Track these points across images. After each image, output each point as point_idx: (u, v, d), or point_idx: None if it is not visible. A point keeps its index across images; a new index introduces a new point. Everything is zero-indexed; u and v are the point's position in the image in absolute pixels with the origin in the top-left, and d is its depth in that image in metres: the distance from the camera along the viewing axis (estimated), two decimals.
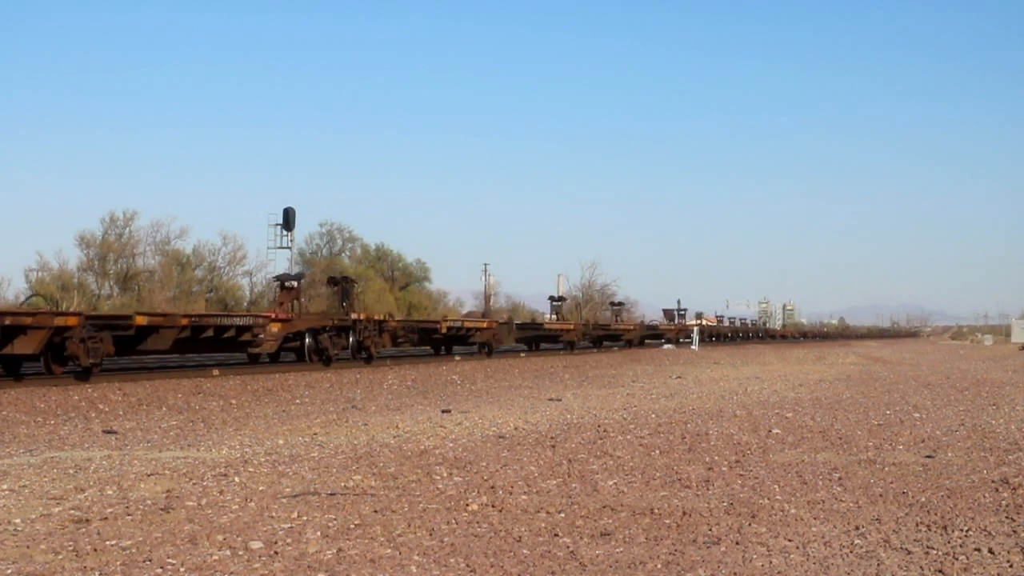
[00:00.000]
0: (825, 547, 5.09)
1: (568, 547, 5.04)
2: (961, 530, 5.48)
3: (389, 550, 4.93)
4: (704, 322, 71.82)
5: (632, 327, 44.62)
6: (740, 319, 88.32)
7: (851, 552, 5.00)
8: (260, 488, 6.55)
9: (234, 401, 14.15)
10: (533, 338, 38.32)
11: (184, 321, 18.46)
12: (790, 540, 5.23)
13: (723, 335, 69.09)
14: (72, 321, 15.62)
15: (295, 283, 23.41)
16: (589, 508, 6.00)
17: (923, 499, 6.39)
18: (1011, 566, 4.75)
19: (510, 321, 37.57)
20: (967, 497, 6.48)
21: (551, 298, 43.81)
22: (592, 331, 42.04)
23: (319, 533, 5.26)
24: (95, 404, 13.11)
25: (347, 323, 23.29)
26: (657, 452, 8.50)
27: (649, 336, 50.16)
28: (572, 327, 38.69)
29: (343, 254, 74.22)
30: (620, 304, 57.17)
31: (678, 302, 66.62)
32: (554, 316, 42.16)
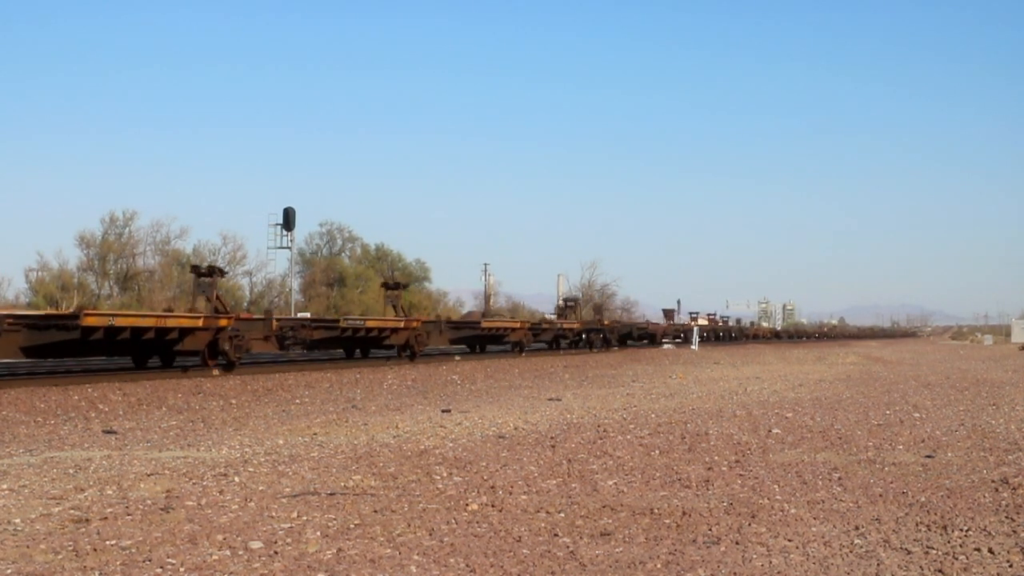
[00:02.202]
0: (825, 547, 5.09)
1: (568, 547, 5.04)
2: (961, 530, 5.48)
3: (389, 550, 4.93)
4: (699, 322, 69.02)
5: (519, 325, 34.33)
6: (710, 315, 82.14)
7: (851, 552, 5.00)
8: (260, 488, 6.55)
9: (234, 401, 14.15)
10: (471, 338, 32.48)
11: None
12: (790, 540, 5.23)
13: (653, 335, 51.88)
14: None
15: None
16: (589, 508, 6.00)
17: (923, 499, 6.39)
18: (1011, 566, 4.75)
19: (439, 320, 32.13)
20: (967, 497, 6.47)
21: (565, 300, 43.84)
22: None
23: (319, 533, 5.26)
24: (95, 404, 13.11)
25: None
26: (657, 452, 8.50)
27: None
28: (519, 326, 34.23)
29: (343, 254, 74.27)
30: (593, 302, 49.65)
31: (678, 302, 66.57)
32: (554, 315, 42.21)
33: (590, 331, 39.99)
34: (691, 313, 68.74)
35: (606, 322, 42.79)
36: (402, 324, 25.57)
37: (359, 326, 24.37)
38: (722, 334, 69.75)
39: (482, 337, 32.02)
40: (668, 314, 62.79)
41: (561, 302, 45.20)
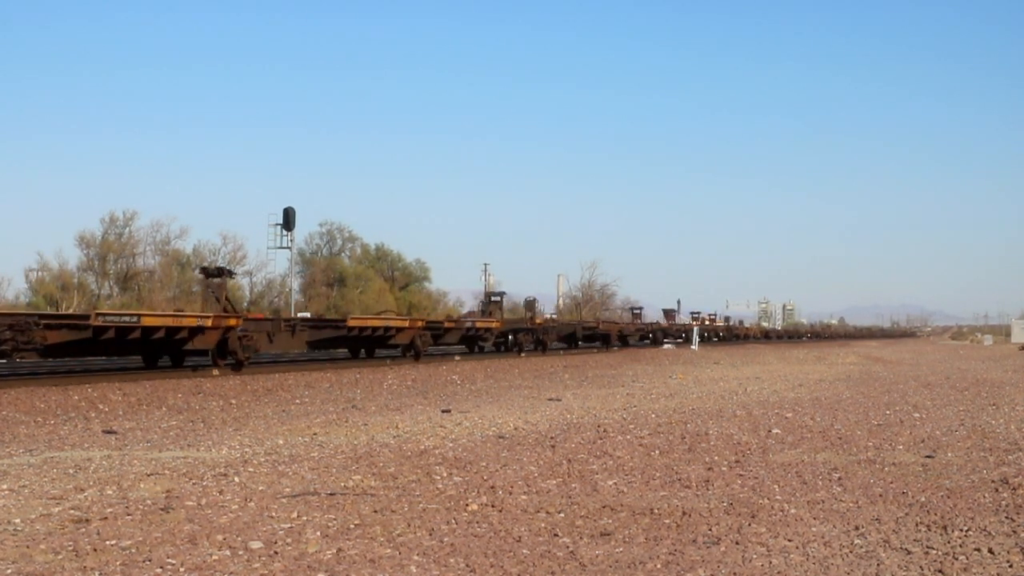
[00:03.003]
0: (825, 547, 5.09)
1: (568, 547, 5.04)
2: (961, 530, 5.48)
3: (389, 550, 4.93)
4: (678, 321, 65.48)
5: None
6: (694, 314, 78.29)
7: (851, 552, 5.00)
8: (260, 488, 6.55)
9: (234, 401, 14.15)
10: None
11: None
12: (790, 540, 5.23)
13: (606, 336, 44.44)
14: None
15: None
16: (589, 508, 6.00)
17: (923, 499, 6.39)
18: (1011, 566, 4.75)
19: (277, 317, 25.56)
20: (967, 497, 6.48)
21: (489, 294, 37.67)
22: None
23: (319, 533, 5.26)
24: (95, 404, 13.11)
25: None
26: (657, 452, 8.50)
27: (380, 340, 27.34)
28: (407, 325, 27.39)
29: (343, 254, 74.32)
30: (533, 300, 39.30)
31: (678, 302, 66.51)
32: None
33: (517, 331, 34.43)
34: (666, 310, 66.13)
35: (538, 320, 37.44)
36: (209, 322, 18.74)
37: (130, 324, 17.10)
38: (707, 334, 67.17)
39: (354, 339, 25.57)
40: (668, 314, 62.62)
41: (484, 296, 39.41)
